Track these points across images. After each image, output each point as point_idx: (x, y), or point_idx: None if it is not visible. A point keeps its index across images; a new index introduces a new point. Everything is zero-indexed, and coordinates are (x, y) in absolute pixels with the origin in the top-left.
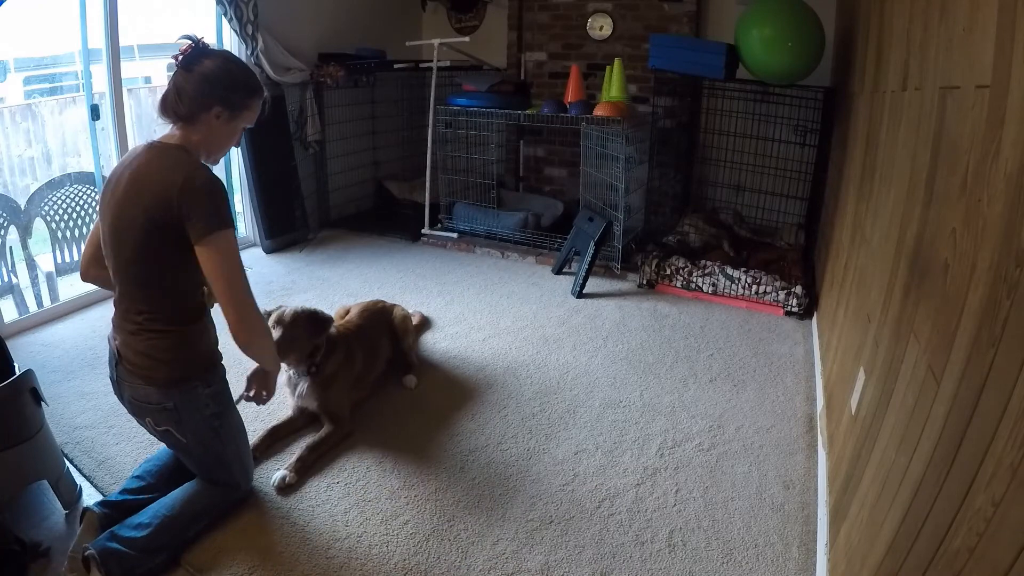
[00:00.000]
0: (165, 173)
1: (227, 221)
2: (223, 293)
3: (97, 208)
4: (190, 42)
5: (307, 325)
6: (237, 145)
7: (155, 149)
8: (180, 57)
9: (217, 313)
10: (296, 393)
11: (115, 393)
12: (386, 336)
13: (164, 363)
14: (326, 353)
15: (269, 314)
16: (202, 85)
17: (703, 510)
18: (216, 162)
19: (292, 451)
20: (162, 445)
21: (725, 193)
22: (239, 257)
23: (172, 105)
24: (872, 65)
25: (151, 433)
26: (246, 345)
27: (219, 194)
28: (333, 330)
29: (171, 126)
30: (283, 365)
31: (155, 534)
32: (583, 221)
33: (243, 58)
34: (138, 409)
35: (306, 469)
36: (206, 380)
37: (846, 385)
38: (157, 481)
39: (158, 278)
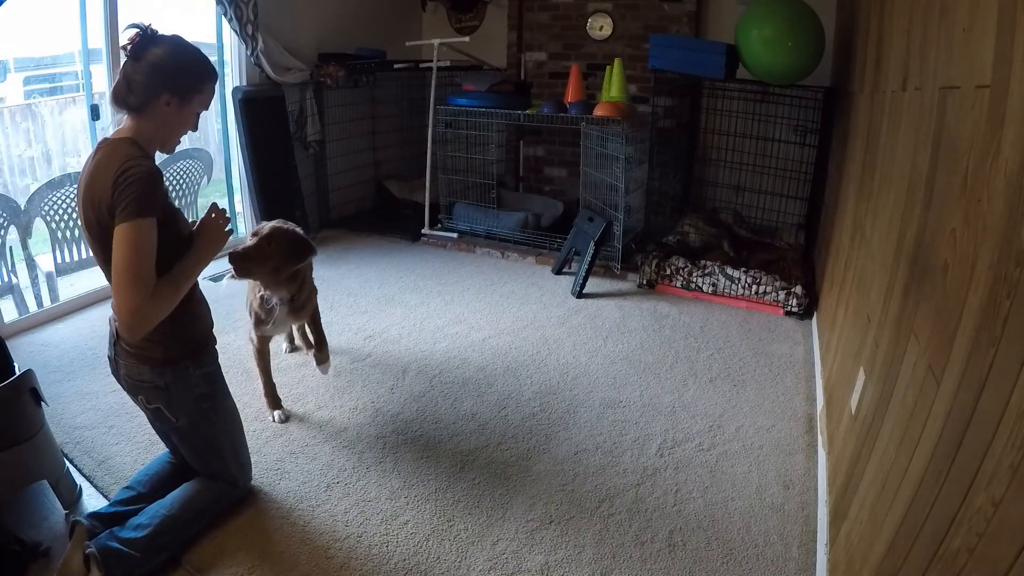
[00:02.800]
0: (105, 175)
1: (146, 210)
2: (119, 278)
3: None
4: (138, 31)
5: (286, 244)
6: (194, 129)
7: (104, 149)
8: (129, 47)
9: (210, 299)
10: (272, 321)
11: (112, 372)
12: None
13: (158, 344)
14: (301, 282)
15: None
16: (151, 74)
17: (703, 510)
18: (171, 150)
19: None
20: (156, 454)
21: (725, 193)
22: (151, 248)
23: (123, 96)
24: (872, 65)
25: (145, 412)
26: (132, 334)
27: (148, 182)
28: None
29: (125, 117)
30: (260, 293)
31: (155, 534)
32: (583, 221)
33: (243, 58)
34: (132, 387)
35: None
36: (198, 361)
37: (846, 385)
38: (148, 491)
39: None
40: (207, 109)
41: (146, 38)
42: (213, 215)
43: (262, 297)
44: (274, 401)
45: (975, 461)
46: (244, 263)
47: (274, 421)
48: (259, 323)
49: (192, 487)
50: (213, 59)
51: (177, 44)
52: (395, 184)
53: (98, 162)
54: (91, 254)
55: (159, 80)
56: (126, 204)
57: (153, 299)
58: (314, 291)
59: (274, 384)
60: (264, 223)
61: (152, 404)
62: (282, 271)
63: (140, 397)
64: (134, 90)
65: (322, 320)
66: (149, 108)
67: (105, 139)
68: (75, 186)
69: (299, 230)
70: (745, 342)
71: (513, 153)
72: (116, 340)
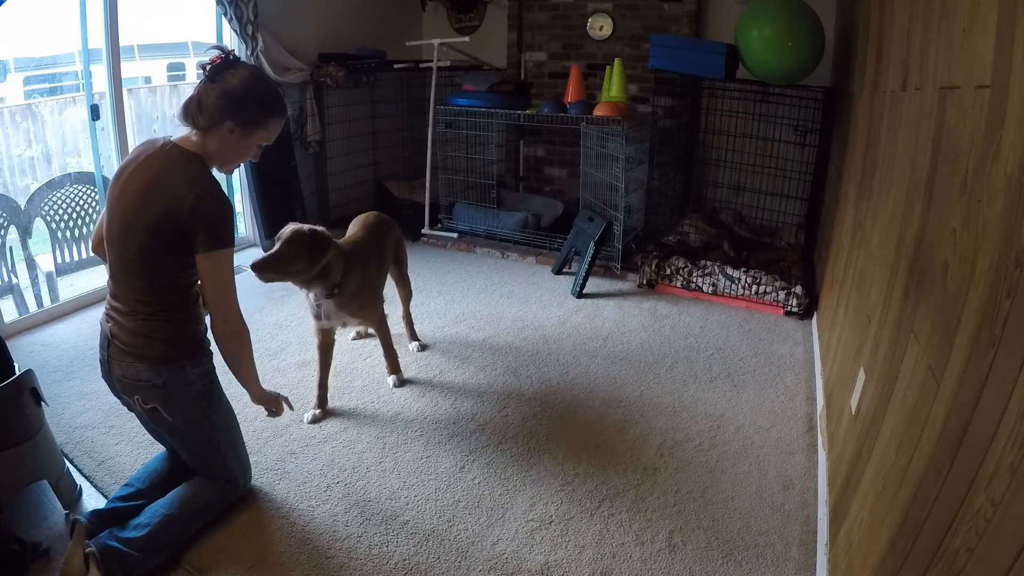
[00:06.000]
0: (179, 185)
1: (230, 240)
2: (213, 297)
3: (106, 198)
4: (220, 53)
5: (305, 245)
6: (255, 159)
7: (171, 153)
8: (208, 67)
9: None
10: (321, 315)
11: (103, 374)
12: (390, 248)
13: (157, 342)
14: (344, 273)
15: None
16: (220, 99)
17: (703, 510)
18: (229, 172)
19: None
20: (154, 452)
21: (725, 193)
22: (233, 270)
23: (192, 114)
24: (872, 65)
25: (139, 415)
26: (223, 341)
27: (228, 213)
28: (347, 248)
29: (190, 129)
30: (304, 291)
31: (155, 533)
32: (583, 221)
33: (243, 58)
34: (127, 387)
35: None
36: (195, 360)
37: (846, 385)
38: (148, 488)
39: (158, 274)
40: (270, 143)
41: (227, 63)
42: (281, 403)
43: (307, 295)
44: (320, 400)
45: (975, 461)
46: (265, 272)
47: (305, 419)
48: (315, 318)
49: (192, 486)
50: None
51: (253, 75)
52: (395, 184)
53: (167, 165)
54: (92, 254)
55: (226, 106)
56: (219, 233)
57: (236, 336)
58: (380, 299)
59: (327, 384)
60: (285, 228)
61: (149, 404)
62: (307, 271)
63: (136, 397)
64: (203, 111)
65: None
66: (213, 130)
67: (170, 142)
68: (76, 186)
69: (318, 228)
70: (745, 342)
71: (513, 153)
72: (109, 342)
